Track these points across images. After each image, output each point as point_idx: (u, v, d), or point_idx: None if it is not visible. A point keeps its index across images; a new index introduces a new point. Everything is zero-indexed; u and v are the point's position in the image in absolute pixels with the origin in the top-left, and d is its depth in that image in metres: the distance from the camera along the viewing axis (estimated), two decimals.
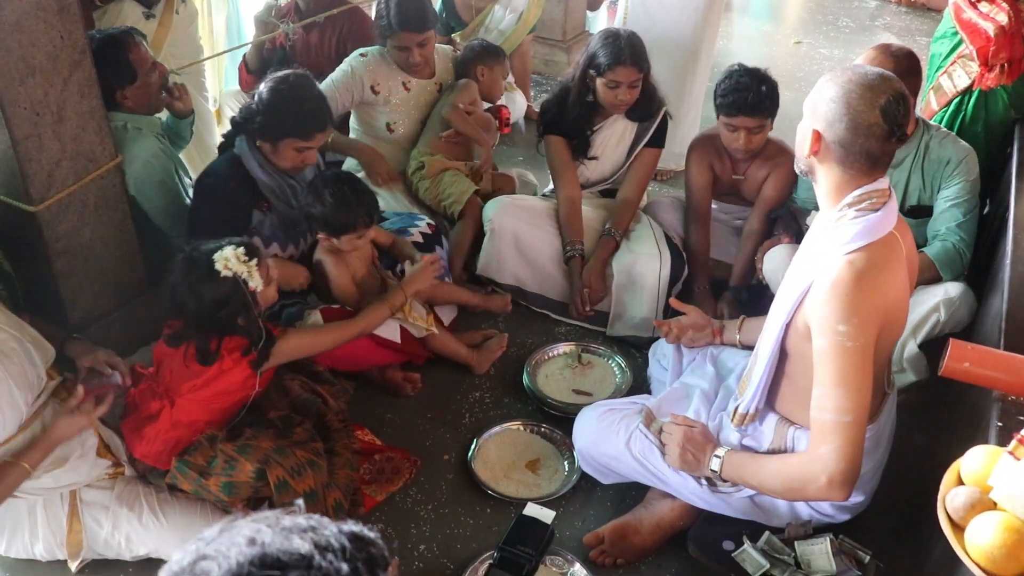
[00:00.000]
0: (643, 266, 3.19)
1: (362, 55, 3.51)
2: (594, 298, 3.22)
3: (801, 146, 2.05)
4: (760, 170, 3.25)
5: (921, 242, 2.80)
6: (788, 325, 2.10)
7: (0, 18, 2.29)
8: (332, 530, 1.04)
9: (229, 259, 2.28)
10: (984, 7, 3.22)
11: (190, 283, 2.29)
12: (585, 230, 3.31)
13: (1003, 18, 3.14)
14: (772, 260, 2.99)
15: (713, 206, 3.40)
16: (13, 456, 2.13)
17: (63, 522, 2.28)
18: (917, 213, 2.89)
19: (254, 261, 2.33)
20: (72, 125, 2.58)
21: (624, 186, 3.42)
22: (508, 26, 4.41)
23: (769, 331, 2.17)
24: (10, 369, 2.16)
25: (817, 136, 1.97)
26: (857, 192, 1.98)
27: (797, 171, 2.14)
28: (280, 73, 2.84)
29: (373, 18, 3.50)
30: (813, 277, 2.01)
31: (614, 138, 3.38)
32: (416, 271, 2.85)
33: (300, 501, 1.15)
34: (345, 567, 0.99)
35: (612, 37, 3.16)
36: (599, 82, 3.18)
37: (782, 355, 2.16)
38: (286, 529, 1.02)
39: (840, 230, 1.98)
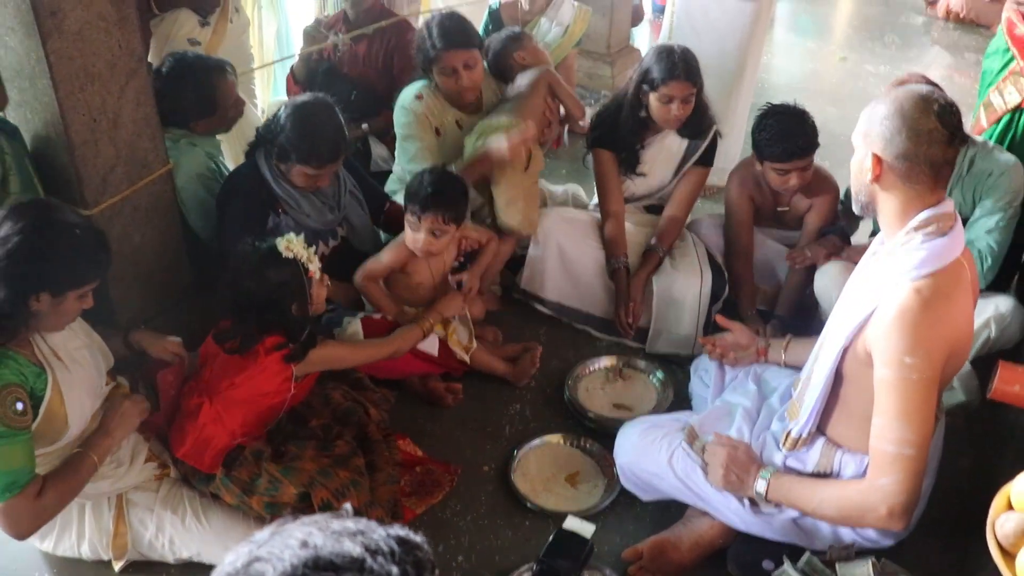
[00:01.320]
0: (683, 284, 3.18)
1: (418, 96, 3.36)
2: (635, 313, 3.21)
3: (859, 179, 2.02)
4: (803, 199, 3.22)
5: None
6: (846, 350, 2.07)
7: (63, 28, 2.35)
8: (381, 533, 1.06)
9: (292, 242, 2.40)
10: None
11: (254, 267, 2.37)
12: (629, 244, 3.30)
13: None
14: (824, 276, 2.96)
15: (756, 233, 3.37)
16: (81, 447, 2.20)
17: (109, 524, 2.32)
18: None
19: (313, 248, 2.45)
20: (127, 132, 2.63)
21: (671, 203, 3.40)
22: (554, 39, 4.42)
23: (825, 355, 2.14)
24: (81, 377, 2.22)
25: (877, 159, 1.95)
26: (923, 215, 1.95)
27: (857, 211, 2.10)
28: (301, 99, 2.86)
29: (415, 49, 3.39)
30: (877, 303, 1.97)
31: (663, 154, 3.36)
32: (447, 299, 2.92)
33: (348, 505, 1.16)
34: (395, 569, 1.01)
35: (666, 52, 3.15)
36: (652, 97, 3.16)
37: (836, 379, 2.14)
38: (336, 532, 1.04)
39: (906, 255, 1.95)
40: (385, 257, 2.93)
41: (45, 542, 2.35)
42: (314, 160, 2.77)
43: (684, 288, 3.17)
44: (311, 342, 2.48)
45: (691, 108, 3.19)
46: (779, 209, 3.29)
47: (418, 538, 1.08)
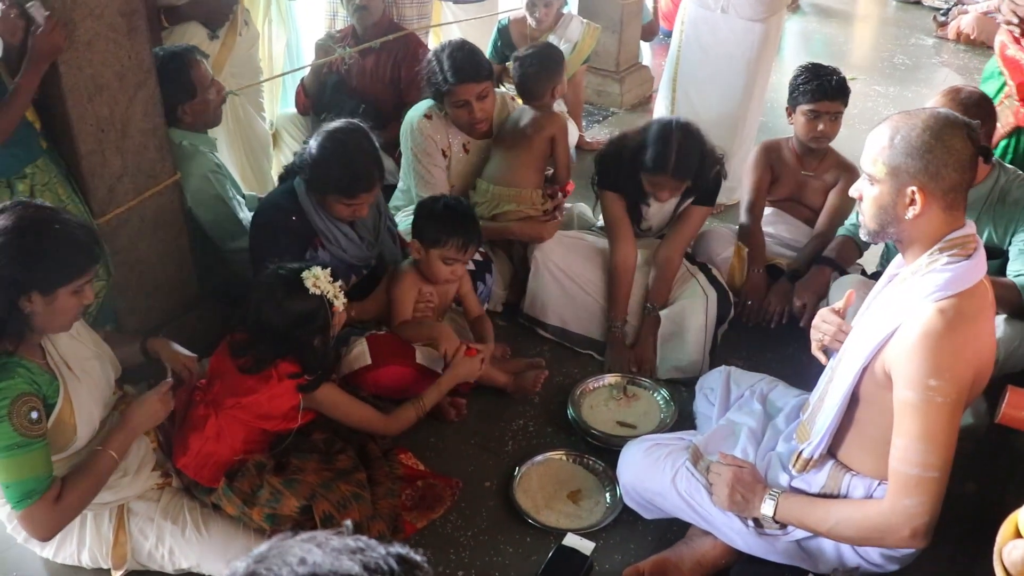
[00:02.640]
0: (689, 311, 3.16)
1: (427, 116, 3.37)
2: (644, 370, 3.18)
3: (889, 214, 1.95)
4: (828, 173, 3.37)
5: None
6: (864, 371, 2.05)
7: (74, 38, 2.37)
8: (380, 552, 1.05)
9: (319, 277, 2.34)
10: None
11: (278, 299, 2.33)
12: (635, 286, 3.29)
13: None
14: (840, 289, 2.93)
15: (773, 219, 3.49)
16: (100, 448, 2.19)
17: (109, 533, 2.31)
18: (988, 255, 2.83)
19: (338, 283, 2.39)
20: (135, 142, 2.64)
21: (666, 243, 3.30)
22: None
23: (842, 375, 2.11)
24: (90, 387, 2.22)
25: (924, 195, 1.90)
26: (948, 237, 1.94)
27: (868, 240, 2.07)
28: (333, 125, 2.80)
29: (425, 79, 3.36)
30: (898, 324, 1.95)
31: (666, 207, 3.34)
32: (457, 365, 2.81)
33: (348, 522, 1.15)
34: None
35: (664, 139, 3.02)
36: (643, 176, 3.10)
37: (852, 401, 2.11)
38: (336, 550, 1.03)
39: (930, 277, 1.92)
40: (403, 304, 2.90)
41: (46, 549, 2.34)
42: (351, 190, 2.73)
43: (691, 314, 3.16)
44: (326, 375, 2.47)
45: (680, 192, 3.19)
46: (803, 173, 3.40)
47: (418, 556, 1.07)
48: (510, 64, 4.34)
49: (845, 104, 3.33)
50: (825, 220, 3.40)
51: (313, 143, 2.77)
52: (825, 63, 3.42)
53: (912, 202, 1.91)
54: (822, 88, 3.24)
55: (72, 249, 2.06)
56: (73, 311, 2.13)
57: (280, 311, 2.32)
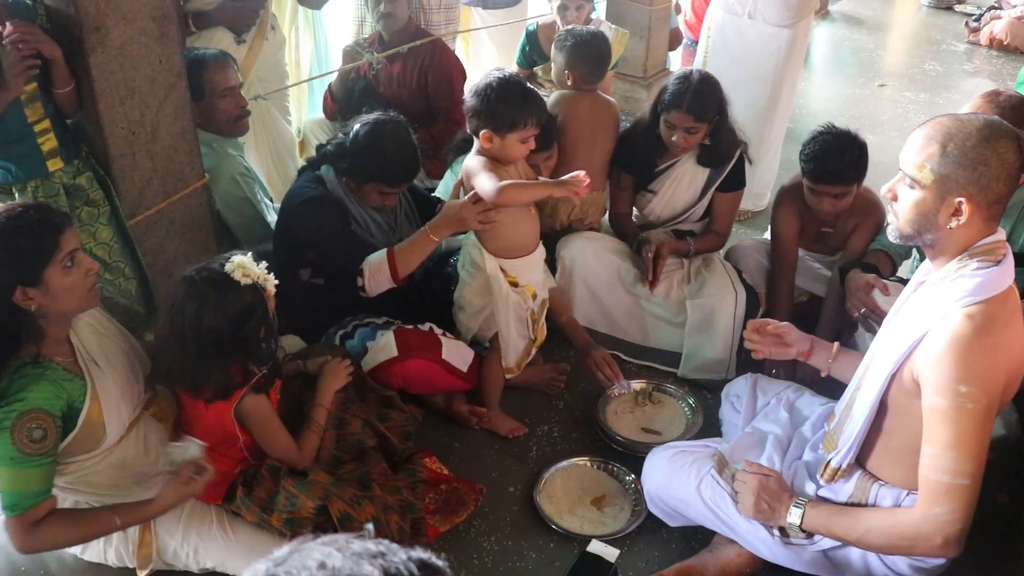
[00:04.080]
0: (718, 304, 3.14)
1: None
2: (660, 271, 3.20)
3: (929, 221, 1.92)
4: (848, 221, 3.17)
5: None
6: (892, 378, 2.02)
7: (106, 43, 2.40)
8: (401, 556, 1.04)
9: (245, 265, 2.18)
10: None
11: (213, 302, 2.15)
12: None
13: None
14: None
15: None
16: (111, 509, 2.15)
17: (135, 533, 2.33)
18: (1023, 261, 2.80)
19: (262, 263, 2.23)
20: (164, 145, 2.67)
21: (710, 222, 3.40)
22: None
23: (870, 383, 2.09)
24: (118, 382, 2.22)
25: (971, 206, 1.86)
26: (978, 243, 1.91)
27: (899, 242, 2.03)
28: (378, 117, 2.84)
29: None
30: (926, 330, 1.93)
31: (685, 178, 3.32)
32: (329, 371, 2.62)
33: (369, 525, 1.15)
34: None
35: (683, 79, 3.12)
36: (661, 118, 3.17)
37: (880, 409, 2.08)
38: (356, 554, 1.02)
39: (959, 282, 1.90)
40: (490, 178, 2.63)
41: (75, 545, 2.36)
42: (393, 179, 2.82)
43: (719, 309, 3.14)
44: (278, 369, 2.38)
45: (697, 139, 3.16)
46: (823, 230, 3.25)
47: (440, 561, 1.06)
48: (539, 71, 4.36)
49: (857, 183, 3.00)
50: (848, 258, 3.16)
51: (360, 132, 2.81)
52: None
53: (958, 212, 1.88)
54: (817, 173, 2.99)
55: (30, 234, 1.99)
56: (79, 285, 2.07)
57: (220, 314, 2.15)
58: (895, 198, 1.99)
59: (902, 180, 1.97)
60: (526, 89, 2.67)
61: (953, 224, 1.89)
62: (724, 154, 3.24)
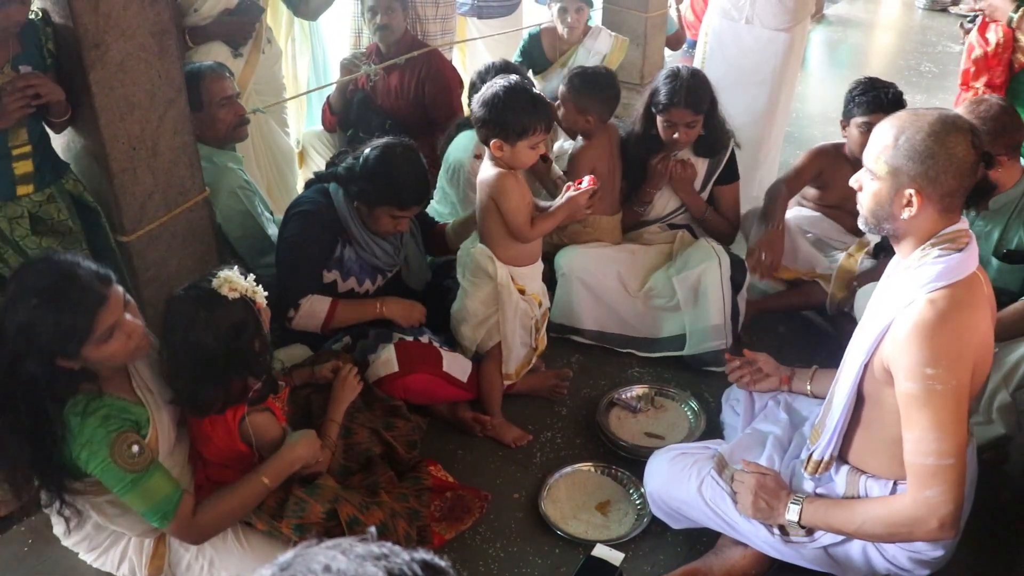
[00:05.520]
0: (703, 273, 3.19)
1: (477, 156, 3.41)
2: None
3: (884, 210, 1.99)
4: None
5: (1018, 288, 2.72)
6: (865, 367, 2.05)
7: (106, 59, 2.42)
8: (404, 558, 1.05)
9: (231, 280, 2.15)
10: (990, 35, 3.34)
11: (204, 321, 2.12)
12: (644, 260, 3.39)
13: (993, 41, 3.24)
14: (863, 298, 2.94)
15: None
16: (256, 471, 2.24)
17: (150, 546, 2.34)
18: (1014, 259, 2.81)
19: (250, 276, 2.22)
20: (165, 159, 2.69)
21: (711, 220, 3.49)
22: None
23: (846, 374, 2.13)
24: (170, 411, 2.24)
25: (920, 198, 1.92)
26: (941, 232, 1.96)
27: (867, 231, 2.10)
28: (389, 141, 2.84)
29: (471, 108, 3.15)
30: (892, 318, 1.97)
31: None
32: (341, 386, 2.62)
33: (372, 528, 1.16)
34: None
35: (672, 77, 3.20)
36: (658, 120, 3.23)
37: (858, 401, 2.12)
38: (360, 556, 1.04)
39: (922, 270, 1.95)
40: (519, 205, 2.71)
41: (90, 554, 2.37)
42: (404, 202, 2.80)
43: (704, 277, 3.19)
44: (273, 383, 2.38)
45: (696, 132, 3.24)
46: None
47: (443, 562, 1.07)
48: (539, 79, 4.37)
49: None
50: None
51: (369, 157, 2.80)
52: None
53: (909, 204, 1.94)
54: (877, 100, 3.19)
55: (67, 312, 1.96)
56: (120, 350, 2.05)
57: (211, 331, 2.12)
58: (860, 189, 2.05)
59: (865, 172, 2.04)
60: (533, 94, 2.68)
61: (906, 215, 1.95)
62: (719, 141, 3.33)
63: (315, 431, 2.35)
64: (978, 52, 3.36)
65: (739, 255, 3.32)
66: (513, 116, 2.62)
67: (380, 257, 2.97)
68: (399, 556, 1.05)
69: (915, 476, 1.97)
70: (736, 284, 3.22)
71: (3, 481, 2.29)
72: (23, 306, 1.96)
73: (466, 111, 3.64)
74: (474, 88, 3.37)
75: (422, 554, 1.07)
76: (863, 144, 3.08)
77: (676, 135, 3.20)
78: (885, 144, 1.96)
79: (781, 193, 3.37)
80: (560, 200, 2.75)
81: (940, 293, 1.91)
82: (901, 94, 3.26)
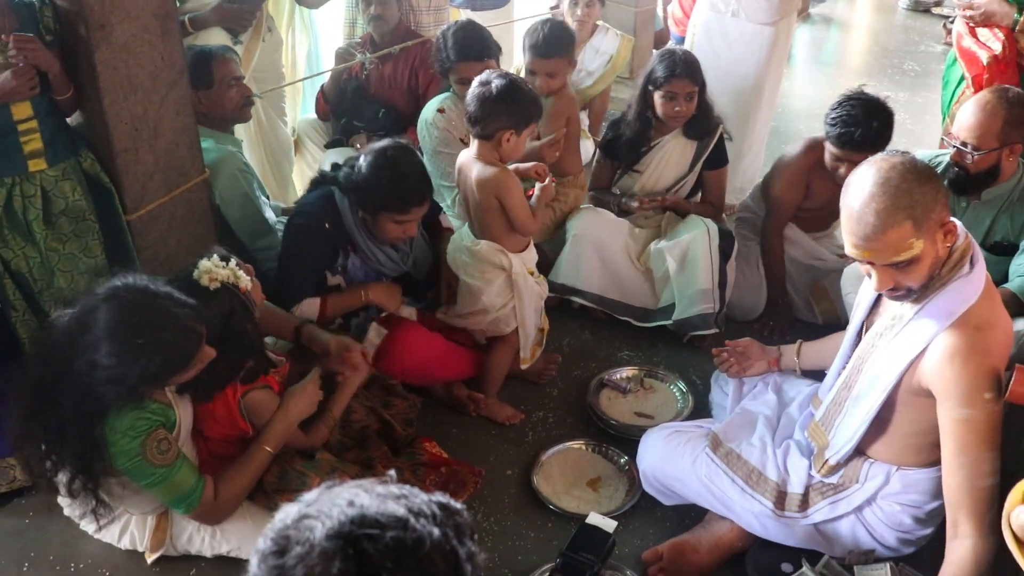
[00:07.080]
0: (691, 240, 3.28)
1: (440, 111, 3.50)
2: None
3: (939, 259, 1.99)
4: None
5: (1000, 279, 2.78)
6: (896, 387, 2.09)
7: (111, 40, 2.46)
8: (423, 498, 1.12)
9: (211, 270, 2.23)
10: (982, 35, 3.30)
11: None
12: (634, 242, 3.48)
13: (997, 47, 3.23)
14: (851, 280, 2.96)
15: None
16: (256, 442, 2.34)
17: (152, 519, 2.39)
18: (1000, 250, 2.88)
19: (232, 262, 2.29)
20: (166, 140, 2.73)
21: (704, 196, 3.64)
22: (598, 68, 4.50)
23: (870, 394, 2.15)
24: (188, 411, 2.32)
25: (949, 224, 1.97)
26: (953, 248, 2.01)
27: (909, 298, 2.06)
28: (380, 145, 2.79)
29: (432, 57, 3.55)
30: (924, 344, 2.00)
31: (675, 153, 3.50)
32: (347, 369, 2.63)
33: (392, 472, 1.22)
34: (436, 531, 1.07)
35: (668, 53, 3.39)
36: (657, 96, 3.35)
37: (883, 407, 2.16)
38: (381, 495, 1.10)
39: (944, 296, 1.99)
40: (522, 199, 2.82)
41: (91, 525, 2.41)
42: (403, 205, 2.73)
43: (692, 244, 3.28)
44: (266, 360, 2.44)
45: (694, 106, 3.36)
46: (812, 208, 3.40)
47: (458, 505, 1.14)
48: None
49: (880, 152, 3.04)
50: None
51: (363, 165, 2.74)
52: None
53: (947, 233, 1.97)
54: (841, 138, 3.02)
55: (167, 355, 2.07)
56: (195, 373, 2.17)
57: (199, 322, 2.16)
58: (898, 284, 1.99)
59: (890, 272, 1.97)
60: (528, 89, 2.80)
61: (949, 243, 1.99)
62: (708, 122, 3.45)
63: (313, 385, 2.45)
64: (985, 56, 3.28)
65: (727, 228, 3.42)
66: (528, 106, 2.76)
67: (386, 264, 2.96)
68: (418, 496, 1.12)
69: (975, 502, 1.94)
70: (724, 253, 3.31)
71: (21, 466, 2.41)
72: (119, 337, 2.02)
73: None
74: (437, 47, 3.50)
75: (439, 496, 1.14)
76: (835, 168, 3.10)
77: (677, 107, 3.31)
78: (905, 228, 1.90)
79: (775, 251, 3.42)
80: (537, 193, 2.87)
81: (969, 316, 1.96)
82: (882, 128, 3.01)
